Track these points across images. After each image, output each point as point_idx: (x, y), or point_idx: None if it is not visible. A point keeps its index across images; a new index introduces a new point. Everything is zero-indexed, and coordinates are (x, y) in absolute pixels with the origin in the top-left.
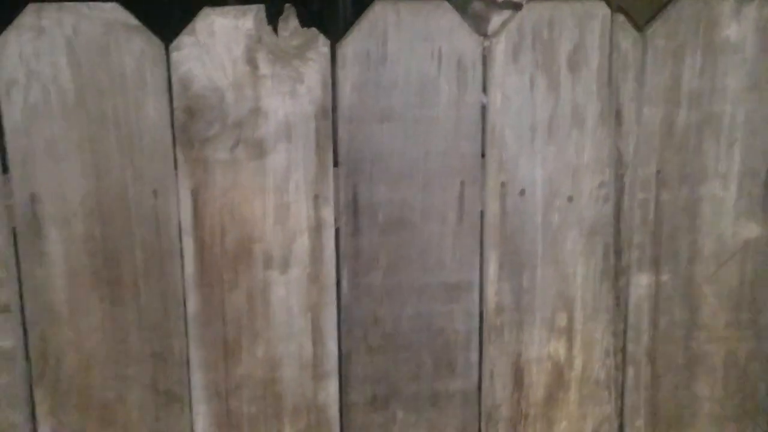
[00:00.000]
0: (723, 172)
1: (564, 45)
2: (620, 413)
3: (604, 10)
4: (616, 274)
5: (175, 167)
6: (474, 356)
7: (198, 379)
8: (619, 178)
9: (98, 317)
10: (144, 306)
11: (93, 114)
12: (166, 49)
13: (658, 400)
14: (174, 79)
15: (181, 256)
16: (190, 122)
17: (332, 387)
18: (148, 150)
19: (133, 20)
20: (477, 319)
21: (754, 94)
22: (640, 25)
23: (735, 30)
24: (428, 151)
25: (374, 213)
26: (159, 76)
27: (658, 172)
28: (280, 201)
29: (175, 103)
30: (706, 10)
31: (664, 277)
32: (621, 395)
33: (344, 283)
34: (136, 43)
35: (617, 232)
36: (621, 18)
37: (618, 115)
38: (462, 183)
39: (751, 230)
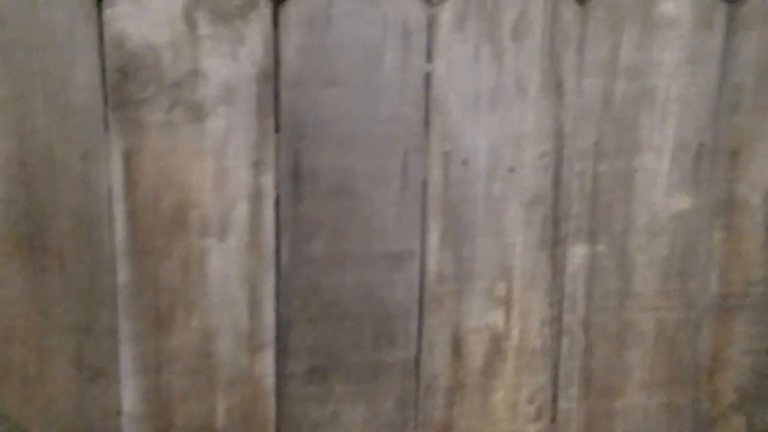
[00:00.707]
0: (657, 145)
1: (508, 14)
2: (555, 382)
3: None
4: (554, 245)
5: (107, 129)
6: (414, 326)
7: (127, 352)
8: (558, 149)
9: (19, 287)
10: (70, 275)
11: (18, 72)
12: (99, 5)
13: (591, 369)
14: (106, 37)
15: (112, 223)
16: (123, 82)
17: (269, 359)
18: (78, 111)
19: None
20: (417, 288)
21: (688, 69)
22: None
23: (672, 5)
24: (373, 118)
25: (316, 180)
26: (90, 33)
27: (596, 144)
28: (219, 166)
29: (108, 63)
30: None
31: (600, 248)
32: (556, 365)
33: (284, 252)
34: None
35: (556, 203)
36: None
37: (559, 87)
38: (406, 151)
39: (682, 202)
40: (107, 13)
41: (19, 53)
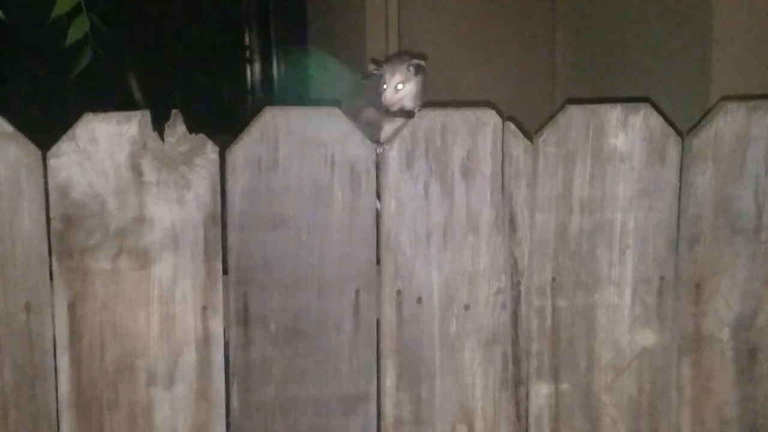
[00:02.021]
0: (617, 279)
1: (457, 152)
2: None
3: (495, 119)
4: (516, 384)
5: (51, 279)
6: None
7: None
8: (515, 285)
9: None
10: (12, 430)
11: None
12: (44, 156)
13: None
14: (51, 186)
15: (56, 375)
16: (68, 231)
17: None
18: (21, 261)
19: (8, 127)
20: None
21: (643, 202)
22: (531, 133)
23: (623, 139)
24: (322, 258)
25: (266, 323)
26: (35, 183)
27: (554, 279)
28: (166, 312)
29: (52, 212)
30: (595, 118)
31: (564, 386)
32: None
33: (234, 399)
34: (10, 150)
35: (515, 341)
36: (512, 126)
37: (512, 222)
38: (357, 291)
39: (647, 338)
40: (52, 162)
41: None
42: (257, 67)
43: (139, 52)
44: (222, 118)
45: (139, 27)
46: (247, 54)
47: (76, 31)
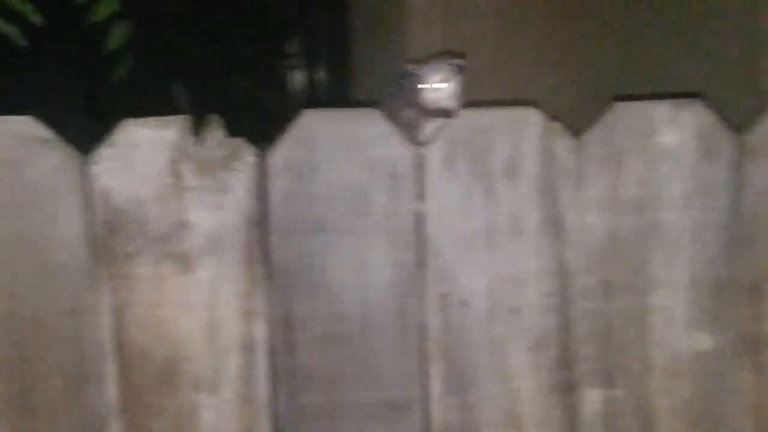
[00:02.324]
0: (670, 281)
1: (499, 152)
2: None
3: (539, 118)
4: (566, 389)
5: (96, 285)
6: None
7: None
8: (563, 287)
9: None
10: None
11: (6, 231)
12: (84, 162)
13: None
14: (92, 193)
15: (102, 381)
16: (110, 237)
17: None
18: (66, 267)
19: (47, 133)
20: None
21: (696, 201)
22: (577, 132)
23: (673, 136)
24: (364, 262)
25: (309, 328)
26: (76, 190)
27: (604, 281)
28: (209, 318)
29: (95, 218)
30: (643, 116)
31: (617, 392)
32: None
33: (279, 404)
34: (50, 157)
35: (565, 345)
36: (557, 125)
37: (559, 223)
38: (400, 295)
39: (703, 341)
40: (93, 169)
41: (3, 213)
42: (298, 73)
43: (180, 58)
44: (261, 125)
45: (180, 33)
46: (288, 61)
47: (117, 37)
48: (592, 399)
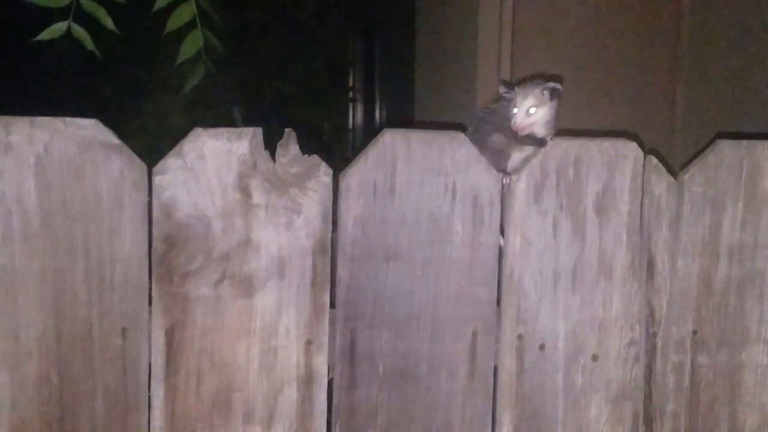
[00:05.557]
0: (767, 337)
1: (591, 186)
2: None
3: (635, 151)
4: None
5: (149, 303)
6: None
7: None
8: (650, 336)
9: None
10: None
11: (59, 241)
12: (149, 171)
13: None
14: (155, 205)
15: (150, 406)
16: (169, 253)
17: None
18: (120, 283)
19: (114, 139)
20: None
21: None
22: (676, 169)
23: None
24: (438, 296)
25: (374, 363)
26: (138, 201)
27: (695, 332)
28: (267, 346)
29: (155, 232)
30: (749, 156)
31: None
32: None
33: None
34: (115, 164)
35: (648, 398)
36: (654, 161)
37: (650, 267)
38: (474, 333)
39: None
40: (157, 179)
41: (61, 221)
42: (360, 106)
43: (244, 86)
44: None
45: (245, 62)
46: (351, 94)
47: (189, 47)
48: None
